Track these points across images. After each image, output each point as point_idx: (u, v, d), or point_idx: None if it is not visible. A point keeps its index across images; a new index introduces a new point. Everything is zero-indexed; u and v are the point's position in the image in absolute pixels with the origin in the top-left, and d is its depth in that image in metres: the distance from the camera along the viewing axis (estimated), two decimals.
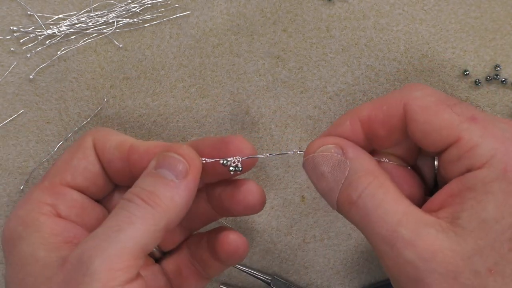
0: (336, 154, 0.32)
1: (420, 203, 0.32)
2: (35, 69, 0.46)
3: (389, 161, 0.34)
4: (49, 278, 0.31)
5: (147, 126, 0.46)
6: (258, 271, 0.46)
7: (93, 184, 0.37)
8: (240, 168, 0.35)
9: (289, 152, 0.38)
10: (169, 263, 0.40)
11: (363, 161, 0.32)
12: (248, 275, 0.46)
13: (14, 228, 0.34)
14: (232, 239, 0.37)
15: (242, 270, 0.45)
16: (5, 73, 0.46)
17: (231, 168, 0.34)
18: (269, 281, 0.45)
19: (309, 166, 0.33)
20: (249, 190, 0.36)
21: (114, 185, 0.39)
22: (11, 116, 0.46)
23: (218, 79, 0.46)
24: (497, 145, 0.29)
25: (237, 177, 0.37)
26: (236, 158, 0.35)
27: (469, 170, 0.29)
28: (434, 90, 0.32)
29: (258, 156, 0.36)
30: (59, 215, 0.35)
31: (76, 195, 0.36)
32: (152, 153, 0.35)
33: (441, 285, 0.28)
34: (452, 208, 0.29)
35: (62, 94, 0.46)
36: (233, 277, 0.46)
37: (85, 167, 0.36)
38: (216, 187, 0.38)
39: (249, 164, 0.35)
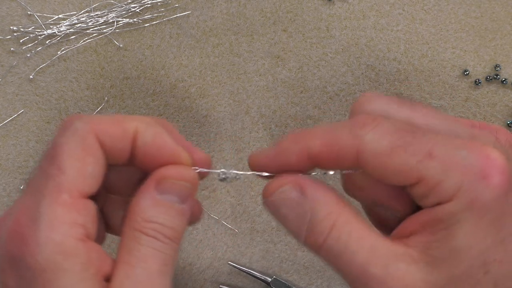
0: (294, 197, 0.31)
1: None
2: (35, 69, 0.46)
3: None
4: None
5: None
6: (258, 271, 0.46)
7: (98, 187, 0.34)
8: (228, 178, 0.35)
9: (240, 174, 0.35)
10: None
11: (323, 200, 0.31)
12: (248, 275, 0.46)
13: (51, 257, 0.29)
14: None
15: (242, 270, 0.45)
16: (5, 73, 0.46)
17: (222, 177, 0.34)
18: (269, 281, 0.45)
19: (270, 209, 0.32)
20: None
21: None
22: (11, 116, 0.46)
23: (218, 79, 0.46)
24: (461, 178, 0.28)
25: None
26: (231, 172, 0.35)
27: (437, 204, 0.29)
28: (387, 125, 0.30)
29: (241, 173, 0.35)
30: (89, 236, 0.31)
31: (92, 206, 0.32)
32: (159, 150, 0.33)
33: None
34: (423, 238, 0.29)
35: (62, 94, 0.46)
36: (233, 277, 0.46)
37: (99, 173, 0.33)
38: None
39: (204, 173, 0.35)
